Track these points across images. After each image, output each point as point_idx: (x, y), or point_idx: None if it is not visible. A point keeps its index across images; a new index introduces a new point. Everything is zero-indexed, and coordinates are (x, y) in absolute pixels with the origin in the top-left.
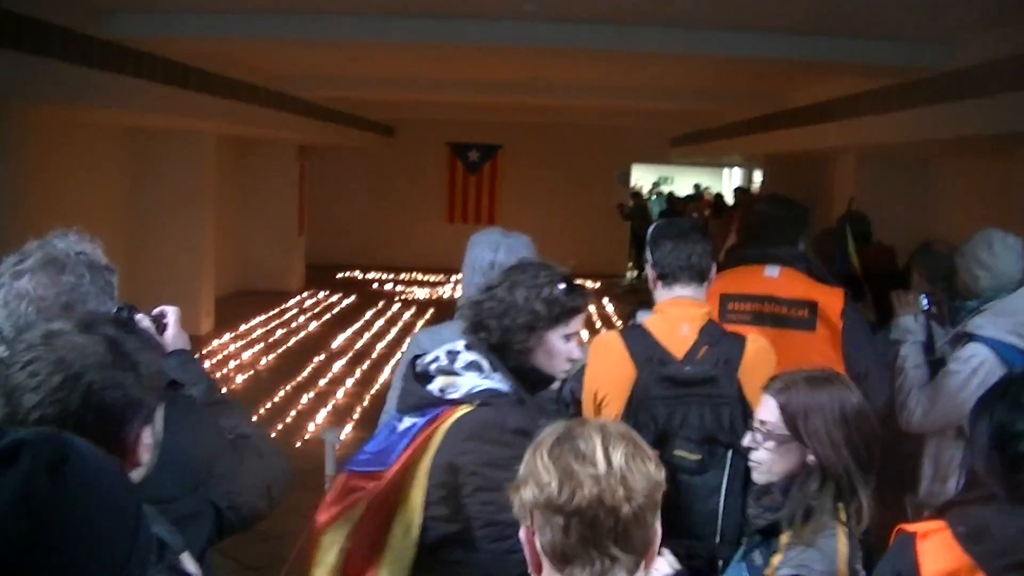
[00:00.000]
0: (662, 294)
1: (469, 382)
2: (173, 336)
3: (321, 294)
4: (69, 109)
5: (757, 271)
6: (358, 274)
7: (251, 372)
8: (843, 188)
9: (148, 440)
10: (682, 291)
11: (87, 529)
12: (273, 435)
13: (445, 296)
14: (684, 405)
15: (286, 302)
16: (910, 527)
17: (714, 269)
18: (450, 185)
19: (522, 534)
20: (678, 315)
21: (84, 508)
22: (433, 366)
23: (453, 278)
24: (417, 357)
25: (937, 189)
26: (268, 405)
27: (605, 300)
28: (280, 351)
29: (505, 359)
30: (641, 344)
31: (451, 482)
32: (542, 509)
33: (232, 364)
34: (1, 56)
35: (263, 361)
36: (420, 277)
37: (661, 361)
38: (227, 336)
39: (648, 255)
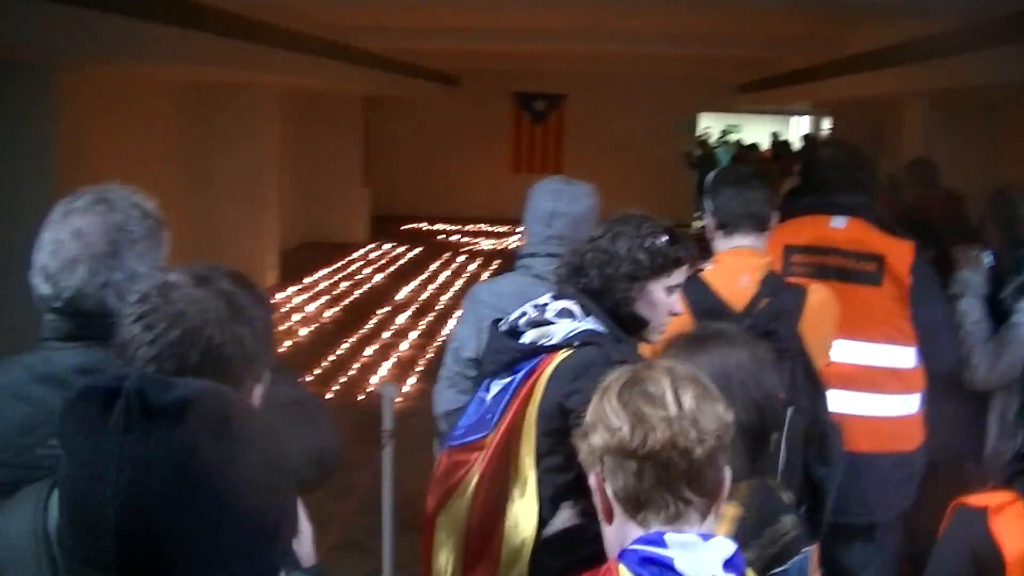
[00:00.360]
0: (721, 244)
1: (564, 327)
2: None
3: (386, 246)
4: (125, 65)
5: (822, 221)
6: (423, 226)
7: (315, 325)
8: (912, 135)
9: (259, 398)
10: (742, 240)
11: (246, 490)
12: (336, 388)
13: (511, 247)
14: None
15: (351, 254)
16: (974, 500)
17: (775, 217)
18: (515, 135)
19: (592, 481)
20: (738, 265)
21: (243, 469)
22: (522, 320)
23: (518, 229)
24: (498, 321)
25: (1010, 136)
26: (331, 358)
27: None
28: (344, 304)
29: (601, 303)
30: (700, 296)
31: (562, 427)
32: (613, 454)
33: (296, 317)
34: (51, 11)
35: (327, 314)
36: (485, 228)
37: (720, 314)
38: (291, 289)
39: (707, 203)
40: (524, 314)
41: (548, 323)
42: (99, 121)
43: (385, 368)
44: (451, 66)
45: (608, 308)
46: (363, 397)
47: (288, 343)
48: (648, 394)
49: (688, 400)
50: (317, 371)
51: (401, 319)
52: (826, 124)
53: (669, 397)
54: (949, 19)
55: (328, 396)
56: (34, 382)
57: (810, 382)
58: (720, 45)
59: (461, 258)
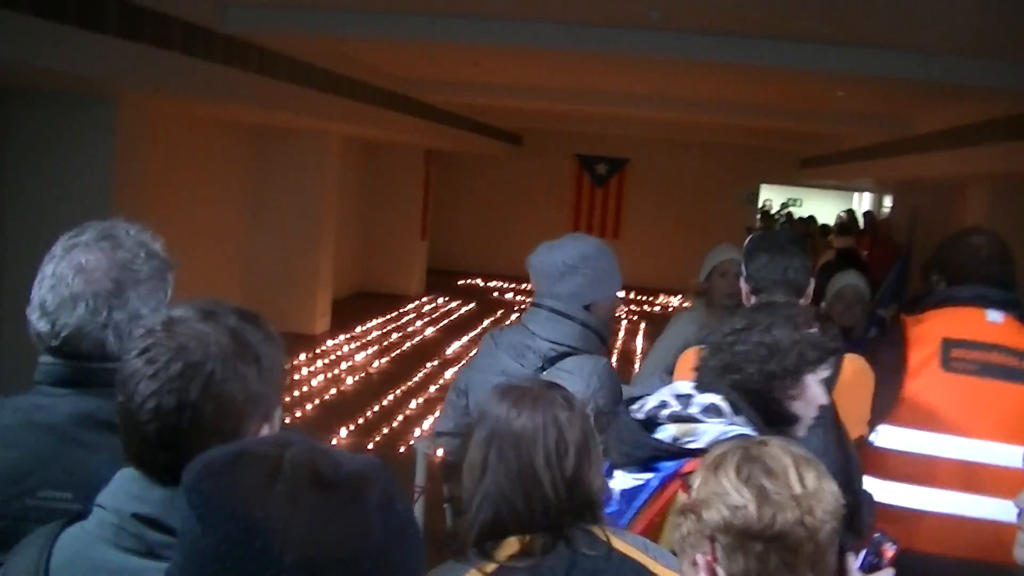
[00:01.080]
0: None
1: (714, 429)
2: None
3: (440, 300)
4: (191, 103)
5: (978, 315)
6: (479, 282)
7: (362, 374)
8: (975, 217)
9: None
10: None
11: (405, 570)
12: (377, 439)
13: None
14: None
15: (404, 306)
16: None
17: (812, 285)
18: (576, 197)
19: (699, 561)
20: None
21: (405, 552)
22: (664, 412)
23: None
24: (629, 403)
25: None
26: (376, 408)
27: None
28: (393, 355)
29: (758, 401)
30: None
31: None
32: (734, 534)
33: (344, 365)
34: (122, 48)
35: (375, 364)
36: None
37: None
38: (341, 337)
39: (743, 267)
40: (664, 404)
41: (694, 420)
42: (161, 155)
43: (429, 422)
44: (515, 125)
45: (763, 405)
46: (403, 450)
47: (334, 391)
48: (771, 471)
49: (811, 478)
50: (361, 420)
51: (449, 373)
52: (887, 202)
53: (793, 475)
54: (1015, 102)
55: (369, 447)
56: (25, 428)
57: (842, 451)
58: (785, 118)
59: (514, 315)
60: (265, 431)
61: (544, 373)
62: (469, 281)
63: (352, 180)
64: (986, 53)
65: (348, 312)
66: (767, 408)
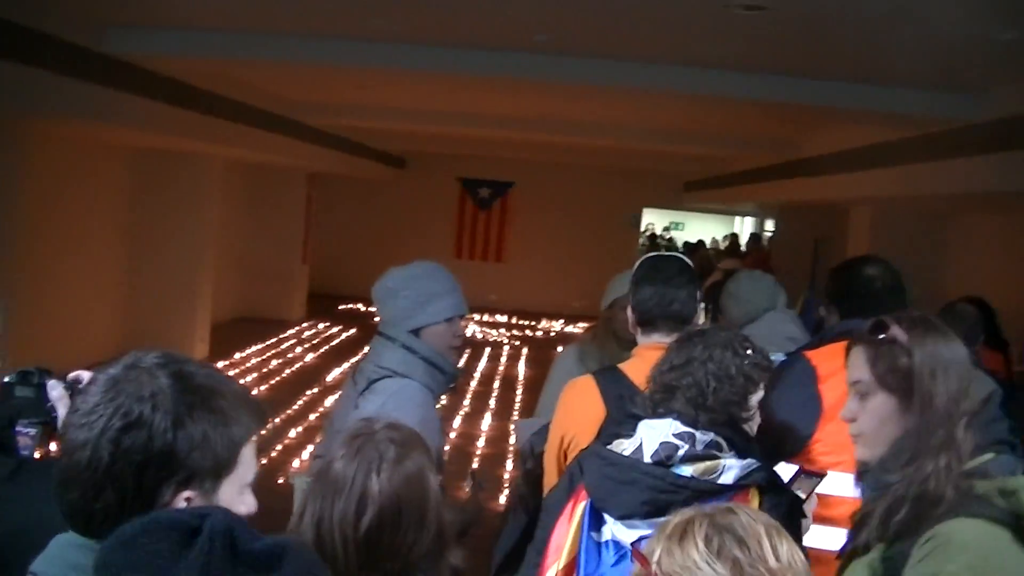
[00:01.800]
0: (641, 339)
1: (733, 462)
2: None
3: (321, 325)
4: (67, 125)
5: None
6: (360, 307)
7: None
8: (858, 240)
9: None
10: (661, 338)
11: None
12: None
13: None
14: None
15: (285, 331)
16: None
17: (700, 314)
18: (459, 221)
19: None
20: (655, 357)
21: None
22: (679, 453)
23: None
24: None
25: (954, 243)
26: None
27: None
28: (273, 382)
29: (725, 432)
30: (614, 385)
31: None
32: None
33: None
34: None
35: (255, 391)
36: None
37: (631, 400)
38: (221, 364)
39: (630, 295)
40: (671, 446)
41: (710, 457)
42: (37, 177)
43: (308, 451)
44: (398, 148)
45: (730, 433)
46: (281, 481)
47: None
48: (743, 541)
49: (784, 549)
50: None
51: (330, 401)
52: (769, 225)
53: (767, 545)
54: (899, 128)
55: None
56: None
57: None
58: (670, 141)
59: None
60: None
61: (360, 396)
62: (351, 306)
63: (233, 203)
64: (869, 79)
65: (228, 338)
66: (733, 435)
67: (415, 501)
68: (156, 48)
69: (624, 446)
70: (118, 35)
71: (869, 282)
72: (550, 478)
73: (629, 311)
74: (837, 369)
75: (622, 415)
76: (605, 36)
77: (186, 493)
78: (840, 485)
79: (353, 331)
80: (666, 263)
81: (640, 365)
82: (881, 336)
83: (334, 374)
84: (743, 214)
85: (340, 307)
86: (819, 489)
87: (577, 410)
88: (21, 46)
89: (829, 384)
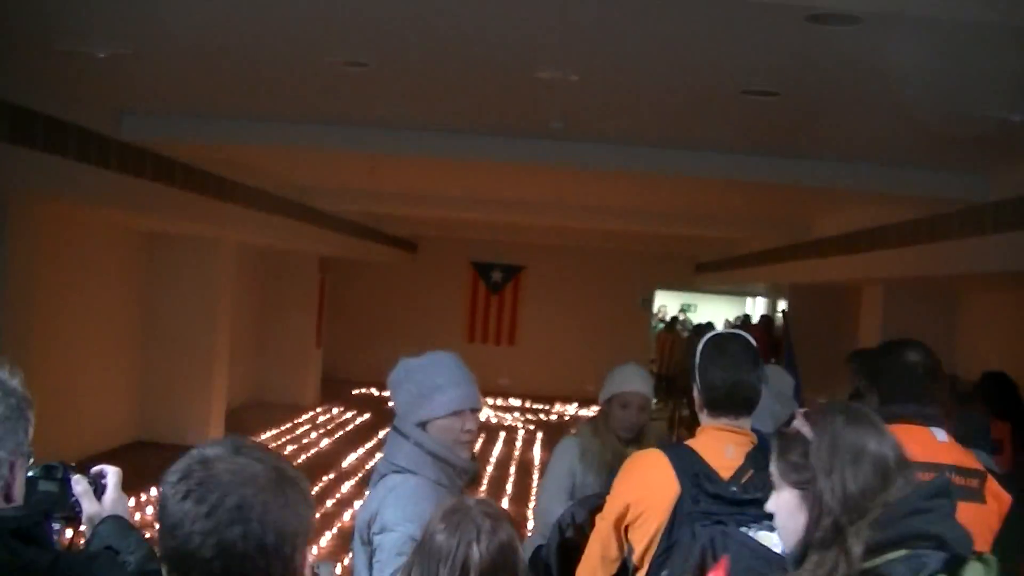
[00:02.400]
0: (707, 420)
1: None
2: (112, 500)
3: (335, 410)
4: (83, 209)
5: (926, 435)
6: (374, 391)
7: None
8: (870, 319)
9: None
10: (729, 422)
11: None
12: None
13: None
14: (731, 521)
15: (299, 417)
16: None
17: (764, 395)
18: (471, 304)
19: None
20: (723, 438)
21: None
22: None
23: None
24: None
25: (966, 320)
26: None
27: None
28: None
29: None
30: (686, 461)
31: None
32: None
33: None
34: (15, 152)
35: None
36: None
37: (708, 478)
38: None
39: (696, 376)
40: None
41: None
42: (52, 260)
43: (326, 539)
44: (410, 232)
45: None
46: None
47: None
48: None
49: None
50: None
51: (346, 487)
52: (781, 304)
53: None
54: (907, 209)
55: None
56: None
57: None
58: (681, 224)
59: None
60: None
61: (369, 491)
62: (364, 390)
63: (247, 287)
64: (879, 159)
65: (241, 423)
66: None
67: (509, 567)
68: (170, 133)
69: (771, 539)
70: (133, 122)
71: (912, 368)
72: (597, 547)
73: (696, 392)
74: None
75: (699, 493)
76: (619, 121)
77: None
78: None
79: (367, 416)
80: (732, 344)
81: (708, 441)
82: (785, 429)
83: (349, 460)
84: (754, 295)
85: (354, 392)
86: None
87: (650, 482)
88: (40, 133)
89: None
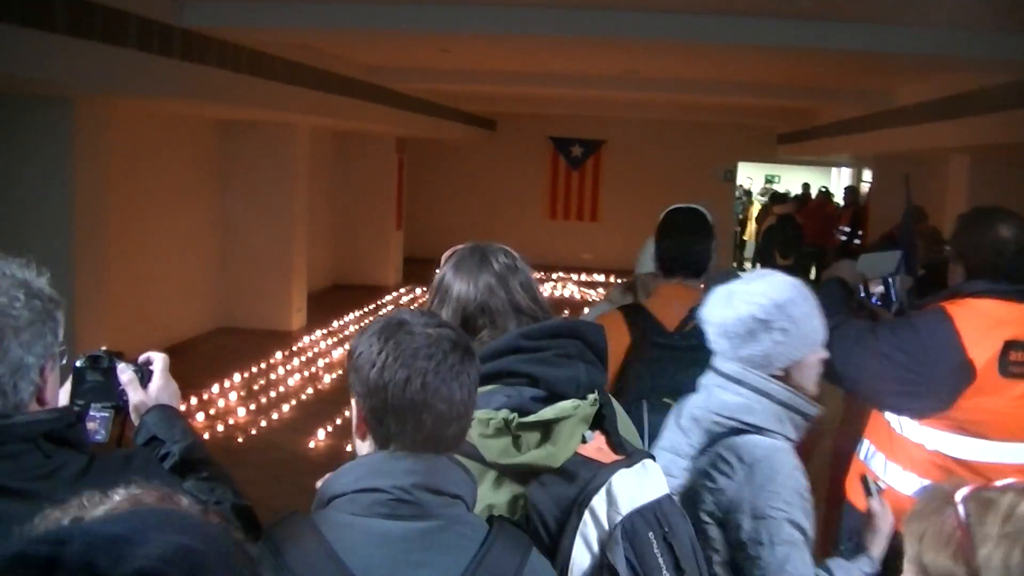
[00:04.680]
0: (662, 281)
1: None
2: (159, 387)
3: (418, 290)
4: (149, 101)
5: (1021, 310)
6: None
7: (340, 371)
8: (956, 189)
9: None
10: (679, 282)
11: None
12: None
13: (545, 294)
14: (673, 363)
15: (382, 297)
16: None
17: (714, 260)
18: (552, 180)
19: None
20: (673, 295)
21: None
22: None
23: (554, 275)
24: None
25: None
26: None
27: None
28: None
29: None
30: (638, 317)
31: None
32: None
33: (321, 362)
34: (75, 45)
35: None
36: None
37: (655, 331)
38: (318, 333)
39: (653, 245)
40: None
41: None
42: (123, 154)
43: None
44: (487, 109)
45: None
46: None
47: (311, 390)
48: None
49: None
50: (339, 421)
51: None
52: (867, 176)
53: None
54: (994, 75)
55: (348, 448)
56: None
57: None
58: (761, 94)
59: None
60: None
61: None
62: None
63: (323, 171)
64: (968, 24)
65: (324, 306)
66: None
67: None
68: (234, 20)
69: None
70: (195, 9)
71: (1003, 244)
72: None
73: (653, 257)
74: (984, 331)
75: (644, 342)
76: None
77: None
78: (996, 452)
79: None
80: (685, 217)
81: (660, 301)
82: None
83: None
84: (839, 165)
85: (436, 271)
86: (975, 457)
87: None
88: (99, 25)
89: (979, 349)
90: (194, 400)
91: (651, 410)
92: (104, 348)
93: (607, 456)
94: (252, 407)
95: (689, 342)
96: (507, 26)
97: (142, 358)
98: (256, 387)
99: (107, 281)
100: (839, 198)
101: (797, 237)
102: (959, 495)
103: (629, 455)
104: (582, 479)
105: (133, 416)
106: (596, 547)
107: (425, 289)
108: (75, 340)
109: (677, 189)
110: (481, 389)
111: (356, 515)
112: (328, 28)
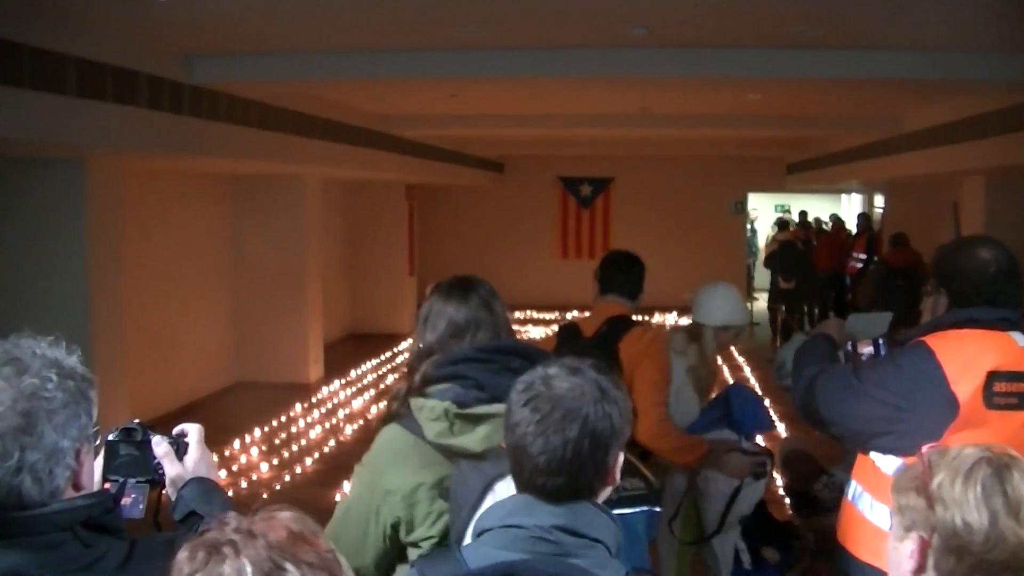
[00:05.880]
0: (599, 300)
1: None
2: (195, 460)
3: None
4: (161, 158)
5: (1007, 341)
6: None
7: (360, 421)
8: (972, 212)
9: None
10: (605, 299)
11: None
12: None
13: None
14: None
15: (398, 344)
16: None
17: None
18: (562, 220)
19: (914, 542)
20: (601, 310)
21: None
22: None
23: (568, 315)
24: None
25: None
26: None
27: None
28: None
29: None
30: (566, 330)
31: None
32: (954, 549)
33: (342, 413)
34: (86, 107)
35: (374, 409)
36: (534, 315)
37: (574, 338)
38: (336, 383)
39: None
40: None
41: None
42: (137, 211)
43: None
44: (496, 152)
45: None
46: None
47: (333, 442)
48: (1008, 499)
49: None
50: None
51: None
52: (879, 201)
53: None
54: (1003, 96)
55: None
56: None
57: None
58: (771, 126)
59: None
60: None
61: None
62: None
63: (335, 221)
64: (976, 47)
65: (341, 356)
66: None
67: None
68: (243, 75)
69: None
70: (204, 65)
71: (984, 266)
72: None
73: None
74: (967, 363)
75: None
76: (703, 23)
77: None
78: None
79: None
80: (618, 255)
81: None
82: None
83: None
84: (848, 191)
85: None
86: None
87: None
88: (109, 85)
89: (963, 383)
90: (215, 457)
91: None
92: (137, 420)
93: None
94: (275, 462)
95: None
96: (515, 68)
97: (176, 430)
98: (277, 441)
99: (125, 341)
100: (851, 224)
101: (799, 262)
102: (925, 448)
103: None
104: (495, 467)
105: (169, 490)
106: None
107: None
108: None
109: (687, 223)
110: (439, 386)
111: (499, 548)
112: (336, 78)
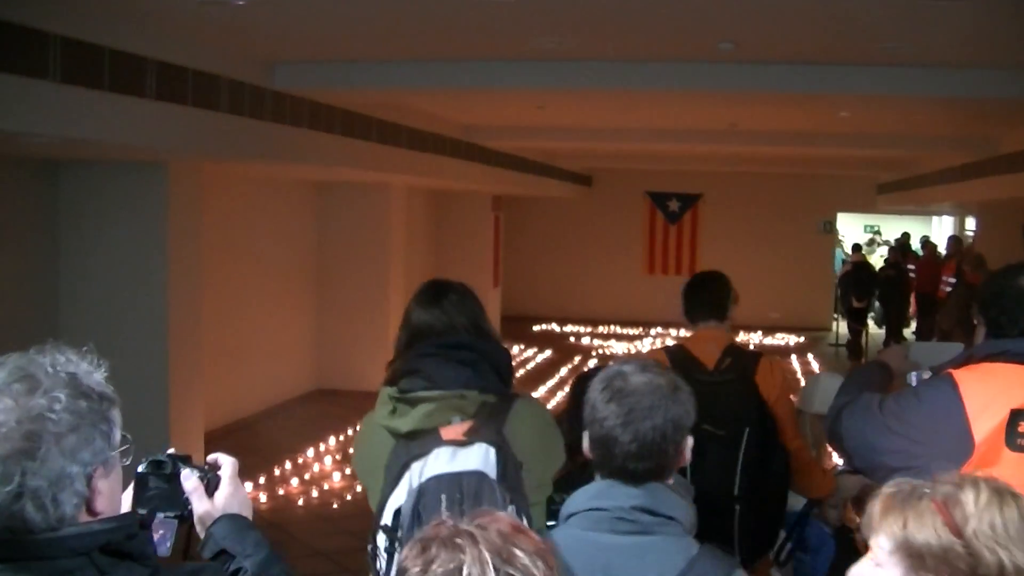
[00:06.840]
0: (691, 328)
1: None
2: (227, 495)
3: (517, 348)
4: (243, 164)
5: None
6: (554, 327)
7: None
8: None
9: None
10: (705, 326)
11: None
12: None
13: (644, 350)
14: (713, 396)
15: None
16: None
17: (732, 304)
18: (649, 235)
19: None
20: (707, 337)
21: None
22: None
23: (653, 331)
24: None
25: None
26: None
27: (810, 356)
28: None
29: None
30: (679, 356)
31: None
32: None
33: None
34: (166, 111)
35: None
36: (618, 330)
37: (695, 367)
38: None
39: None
40: None
41: None
42: (219, 218)
43: None
44: (583, 166)
45: None
46: None
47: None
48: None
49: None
50: None
51: None
52: (970, 223)
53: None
54: None
55: None
56: None
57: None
58: (860, 145)
59: (592, 362)
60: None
61: None
62: (544, 327)
63: (419, 229)
64: None
65: None
66: None
67: None
68: (325, 82)
69: None
70: (286, 71)
71: (1022, 294)
72: None
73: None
74: (989, 401)
75: (685, 377)
76: (790, 38)
77: None
78: None
79: (548, 352)
80: (702, 277)
81: (696, 342)
82: None
83: (536, 395)
84: (940, 214)
85: (534, 328)
86: None
87: None
88: (190, 89)
89: (982, 421)
90: (289, 465)
91: None
92: (170, 451)
93: (452, 435)
94: (348, 472)
95: (723, 377)
96: (599, 80)
97: (211, 458)
98: (352, 450)
99: (201, 345)
100: (942, 248)
101: (871, 281)
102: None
103: (470, 440)
104: (418, 446)
105: (198, 527)
106: (406, 497)
107: (523, 348)
108: (169, 406)
109: (775, 241)
110: (405, 380)
111: (585, 529)
112: (418, 87)
